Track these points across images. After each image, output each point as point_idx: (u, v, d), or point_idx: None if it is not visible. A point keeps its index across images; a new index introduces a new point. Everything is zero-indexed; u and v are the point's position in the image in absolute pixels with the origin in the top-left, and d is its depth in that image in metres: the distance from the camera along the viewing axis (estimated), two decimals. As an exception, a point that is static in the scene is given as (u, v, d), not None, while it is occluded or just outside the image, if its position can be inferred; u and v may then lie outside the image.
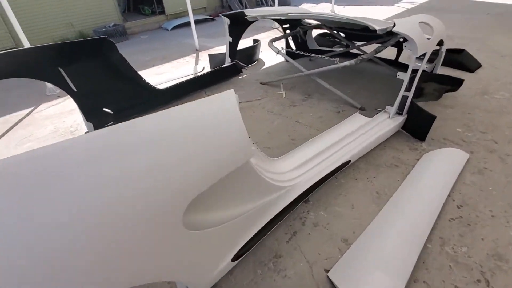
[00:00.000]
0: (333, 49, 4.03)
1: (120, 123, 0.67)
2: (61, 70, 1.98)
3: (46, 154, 0.59)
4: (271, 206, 1.21)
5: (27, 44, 2.89)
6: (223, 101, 0.80)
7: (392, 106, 1.91)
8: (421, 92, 2.22)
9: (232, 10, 7.49)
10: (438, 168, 1.62)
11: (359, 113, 2.09)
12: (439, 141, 1.91)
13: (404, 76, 1.77)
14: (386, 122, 1.88)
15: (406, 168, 1.70)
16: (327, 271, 1.15)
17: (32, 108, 2.90)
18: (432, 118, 1.78)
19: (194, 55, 4.40)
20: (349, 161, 1.62)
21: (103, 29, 5.08)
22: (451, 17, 5.22)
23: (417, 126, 1.90)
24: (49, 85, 3.15)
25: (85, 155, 0.61)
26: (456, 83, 2.39)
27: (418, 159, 1.75)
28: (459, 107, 2.34)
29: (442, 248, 1.23)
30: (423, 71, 1.90)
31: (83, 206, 0.56)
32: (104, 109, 2.35)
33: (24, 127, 2.59)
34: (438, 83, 2.30)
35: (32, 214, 0.52)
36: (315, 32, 3.99)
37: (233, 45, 3.18)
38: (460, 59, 3.10)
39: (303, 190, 1.35)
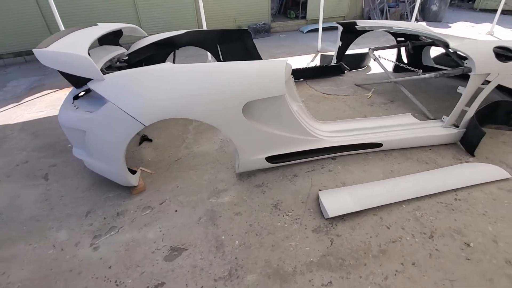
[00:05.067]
0: (450, 69, 3.93)
1: (217, 63, 1.58)
2: (218, 46, 3.21)
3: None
4: (302, 143, 1.89)
5: (205, 27, 4.46)
6: (277, 63, 1.58)
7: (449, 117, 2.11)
8: (509, 119, 2.21)
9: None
10: (460, 171, 1.82)
11: (411, 114, 2.35)
12: (493, 161, 1.98)
13: (463, 91, 1.96)
14: (436, 129, 2.11)
15: (434, 167, 1.95)
16: (320, 190, 1.75)
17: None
18: (482, 133, 1.91)
19: (314, 54, 5.18)
20: (381, 144, 2.04)
21: (254, 26, 6.58)
22: None
23: (469, 141, 2.03)
24: (209, 57, 4.71)
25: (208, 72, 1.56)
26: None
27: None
28: (556, 145, 2.16)
29: (413, 212, 1.58)
30: (509, 100, 2.02)
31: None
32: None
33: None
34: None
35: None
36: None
37: (342, 49, 3.76)
38: None
39: (329, 146, 1.94)
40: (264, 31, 6.71)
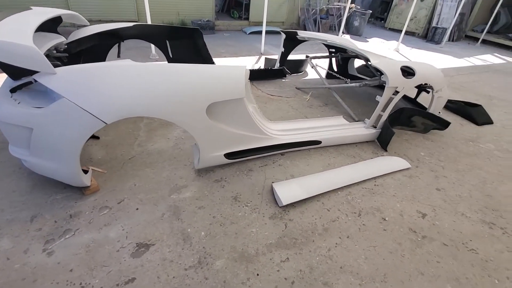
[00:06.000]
0: (368, 78, 4.67)
1: (183, 64, 1.67)
2: (167, 42, 3.17)
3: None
4: (257, 140, 2.09)
5: (149, 21, 4.27)
6: (237, 69, 1.75)
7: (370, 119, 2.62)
8: (409, 122, 2.85)
9: (305, 29, 8.49)
10: (377, 163, 2.32)
11: (342, 117, 2.84)
12: (399, 155, 2.55)
13: (380, 99, 2.48)
14: (360, 130, 2.60)
15: (359, 160, 2.42)
16: (273, 182, 2.00)
17: (139, 63, 4.26)
18: (392, 133, 2.45)
19: (258, 57, 5.47)
20: (320, 142, 2.41)
21: (198, 22, 6.53)
22: (508, 81, 5.36)
23: (383, 139, 2.57)
24: (153, 51, 4.52)
25: (168, 72, 1.62)
26: (442, 124, 2.94)
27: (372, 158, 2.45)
28: (439, 142, 2.89)
29: (346, 196, 1.97)
30: (409, 108, 2.60)
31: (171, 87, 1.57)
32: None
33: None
34: (425, 119, 2.89)
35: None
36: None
37: (284, 55, 4.13)
38: (471, 111, 3.53)
39: (279, 143, 2.21)
40: (208, 28, 6.71)
